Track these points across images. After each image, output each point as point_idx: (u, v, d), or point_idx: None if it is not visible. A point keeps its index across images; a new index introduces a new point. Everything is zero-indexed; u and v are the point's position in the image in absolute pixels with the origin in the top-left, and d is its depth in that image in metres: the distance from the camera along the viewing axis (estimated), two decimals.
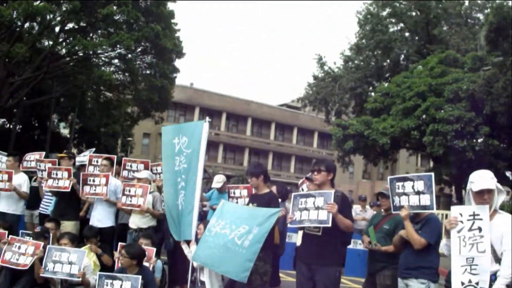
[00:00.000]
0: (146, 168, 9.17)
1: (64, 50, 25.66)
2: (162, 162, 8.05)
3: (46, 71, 24.83)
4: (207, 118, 7.49)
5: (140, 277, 5.92)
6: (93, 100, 32.94)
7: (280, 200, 7.06)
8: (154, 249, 7.10)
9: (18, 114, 31.36)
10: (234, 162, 56.17)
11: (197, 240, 6.84)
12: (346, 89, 30.77)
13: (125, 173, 9.28)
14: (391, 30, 30.75)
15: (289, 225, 5.88)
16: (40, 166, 9.11)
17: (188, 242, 7.23)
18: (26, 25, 23.76)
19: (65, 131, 40.51)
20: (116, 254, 7.02)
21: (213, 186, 9.67)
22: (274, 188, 7.36)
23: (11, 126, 33.73)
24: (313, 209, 5.32)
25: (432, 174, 5.21)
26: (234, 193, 8.57)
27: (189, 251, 7.07)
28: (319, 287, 5.35)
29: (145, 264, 6.55)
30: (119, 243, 7.28)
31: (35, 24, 24.69)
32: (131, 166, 9.37)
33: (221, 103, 54.11)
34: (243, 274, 5.58)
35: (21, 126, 34.96)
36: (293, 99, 57.30)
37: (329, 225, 5.14)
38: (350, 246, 6.14)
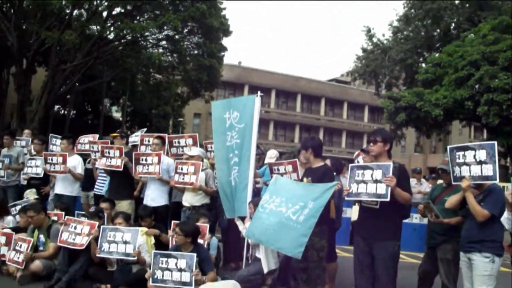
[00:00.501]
0: (194, 142, 9.07)
1: (112, 35, 26.10)
2: (213, 138, 7.98)
3: (96, 56, 25.34)
4: (259, 92, 7.37)
5: (195, 254, 5.86)
6: (143, 83, 33.45)
7: (334, 174, 6.87)
8: (208, 226, 7.06)
9: (71, 100, 32.22)
10: (285, 139, 55.76)
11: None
12: (396, 60, 30.13)
13: (173, 150, 9.22)
14: None
15: (346, 198, 5.70)
16: (93, 147, 9.17)
17: (242, 219, 7.21)
18: (75, 12, 24.20)
19: (117, 115, 41.37)
20: (170, 232, 7.02)
21: (266, 162, 9.57)
22: (328, 162, 7.18)
23: (66, 112, 34.80)
24: (371, 182, 5.11)
25: (495, 142, 4.93)
26: (278, 169, 8.33)
27: (244, 227, 7.05)
28: (378, 262, 5.18)
29: (200, 241, 6.50)
30: (173, 221, 7.27)
31: (83, 11, 25.14)
32: (178, 142, 9.27)
33: (270, 80, 53.60)
34: (297, 250, 5.44)
35: (75, 112, 36.23)
36: (342, 73, 56.61)
37: (388, 199, 4.95)
38: (406, 220, 5.93)
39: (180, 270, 5.80)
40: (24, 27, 24.59)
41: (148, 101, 34.16)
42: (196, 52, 27.98)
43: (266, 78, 53.26)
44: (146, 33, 25.29)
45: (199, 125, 50.20)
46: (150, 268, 5.98)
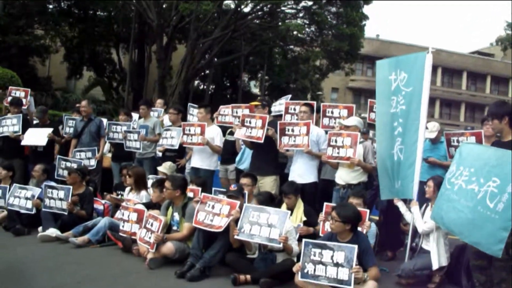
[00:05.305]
0: (350, 114, 8.00)
1: (249, 7, 26.03)
2: (376, 104, 7.02)
3: (233, 29, 25.64)
4: (430, 48, 6.37)
5: (356, 246, 4.81)
6: (281, 56, 33.67)
7: None
8: (368, 211, 6.03)
9: (210, 75, 33.38)
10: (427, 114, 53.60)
11: None
12: None
13: (325, 121, 8.20)
14: None
15: None
16: (236, 112, 8.56)
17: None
18: None
19: (255, 89, 41.85)
20: (320, 217, 6.12)
21: (426, 137, 8.23)
22: None
23: (205, 87, 36.14)
24: None
25: None
26: (456, 141, 7.37)
27: (406, 209, 6.19)
28: None
29: (358, 229, 5.45)
30: (325, 203, 6.30)
31: None
32: (332, 112, 8.22)
33: (409, 53, 51.27)
34: (496, 247, 4.25)
35: (214, 86, 37.29)
36: (491, 42, 53.04)
37: None
38: None
39: (337, 265, 4.79)
40: (164, 5, 25.66)
41: (286, 75, 34.13)
42: (335, 22, 26.87)
43: (405, 51, 49.78)
44: (283, 4, 24.89)
45: (337, 99, 49.31)
46: (298, 259, 5.08)
